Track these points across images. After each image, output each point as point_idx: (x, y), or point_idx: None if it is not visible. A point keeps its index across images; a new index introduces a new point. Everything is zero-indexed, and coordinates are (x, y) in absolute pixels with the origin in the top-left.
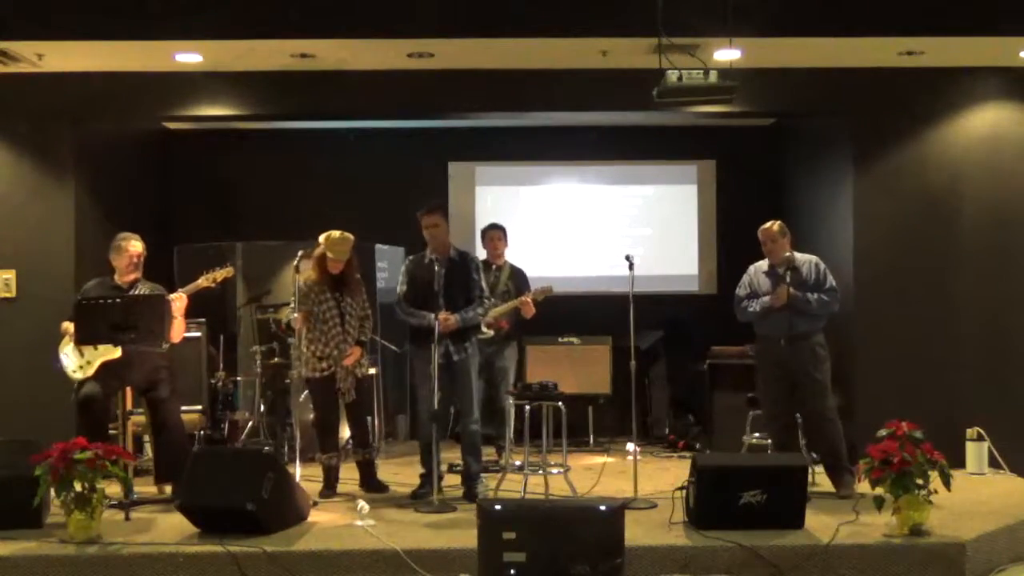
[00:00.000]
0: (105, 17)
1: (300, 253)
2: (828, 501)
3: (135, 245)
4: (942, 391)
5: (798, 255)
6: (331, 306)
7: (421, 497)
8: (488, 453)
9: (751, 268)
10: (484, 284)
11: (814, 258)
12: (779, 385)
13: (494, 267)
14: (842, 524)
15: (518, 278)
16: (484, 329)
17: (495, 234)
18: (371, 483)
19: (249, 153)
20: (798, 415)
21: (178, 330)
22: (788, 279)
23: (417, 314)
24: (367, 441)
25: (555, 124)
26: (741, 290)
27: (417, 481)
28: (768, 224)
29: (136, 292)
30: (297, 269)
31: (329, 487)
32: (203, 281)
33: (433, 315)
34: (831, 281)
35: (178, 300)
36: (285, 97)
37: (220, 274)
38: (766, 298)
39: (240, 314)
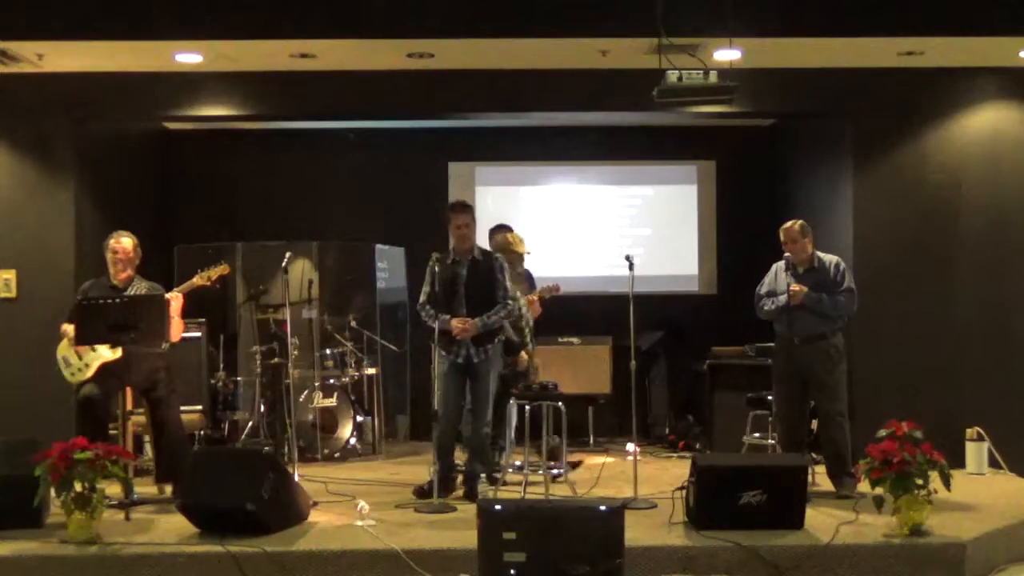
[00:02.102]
0: (105, 17)
1: (288, 255)
2: (828, 501)
3: (121, 242)
4: (942, 391)
5: (822, 255)
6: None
7: (426, 495)
8: None
9: (773, 266)
10: (509, 284)
11: (836, 258)
12: (790, 384)
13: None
14: (842, 524)
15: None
16: None
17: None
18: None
19: (249, 153)
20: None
21: (176, 329)
22: (803, 279)
23: (437, 317)
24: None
25: (555, 124)
26: (761, 288)
27: (419, 480)
28: (789, 224)
29: (132, 291)
30: (286, 271)
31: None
32: (198, 279)
33: (448, 317)
34: (849, 282)
35: (174, 300)
36: (285, 97)
37: (215, 272)
38: (782, 297)
39: (240, 314)
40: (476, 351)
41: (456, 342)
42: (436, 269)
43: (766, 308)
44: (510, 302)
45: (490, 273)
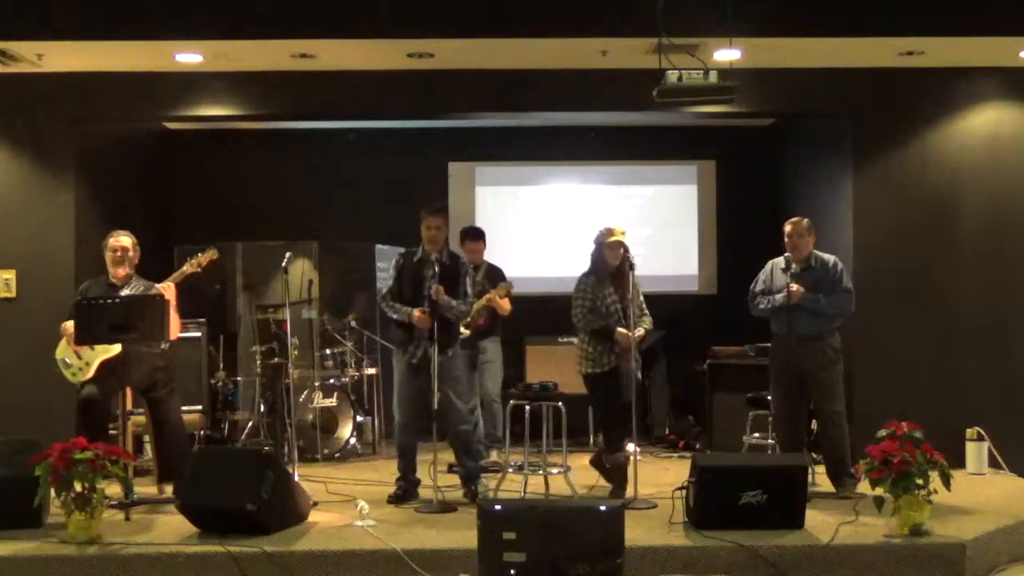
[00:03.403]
0: (105, 17)
1: (288, 255)
2: (828, 501)
3: (120, 240)
4: (942, 391)
5: (819, 254)
6: (614, 300)
7: (397, 501)
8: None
9: (769, 264)
10: (470, 289)
11: (833, 258)
12: (788, 384)
13: (471, 266)
14: (842, 524)
15: (493, 276)
16: (461, 329)
17: (476, 246)
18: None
19: (249, 153)
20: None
21: (174, 326)
22: (801, 277)
23: (399, 309)
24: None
25: (555, 124)
26: (756, 285)
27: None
28: (797, 219)
29: (130, 289)
30: (286, 271)
31: (621, 487)
32: (188, 267)
33: (408, 309)
34: (846, 282)
35: (166, 290)
36: (285, 97)
37: (204, 258)
38: (779, 296)
39: (240, 314)
40: (439, 352)
41: (412, 341)
42: (402, 264)
43: (761, 307)
44: (469, 303)
45: (456, 277)
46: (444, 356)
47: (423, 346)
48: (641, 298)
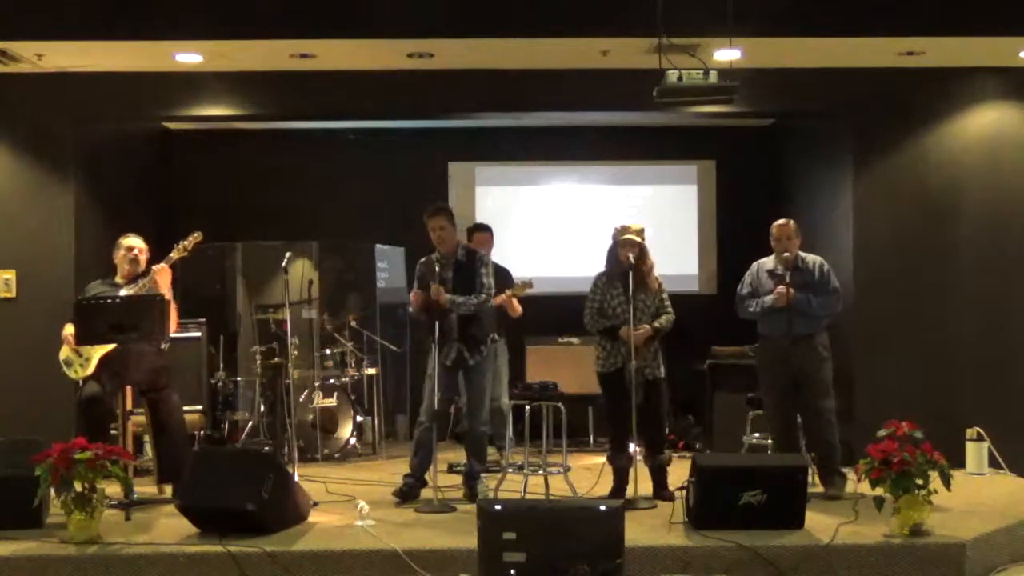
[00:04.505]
0: (105, 17)
1: (288, 255)
2: (828, 501)
3: (132, 240)
4: (942, 391)
5: (804, 255)
6: (621, 301)
7: (402, 497)
8: (490, 453)
9: (754, 266)
10: (489, 280)
11: (819, 258)
12: (781, 385)
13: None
14: (842, 524)
15: (501, 276)
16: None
17: (483, 236)
18: (659, 492)
19: (249, 153)
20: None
21: (172, 323)
22: (789, 279)
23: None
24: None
25: (555, 124)
26: (743, 288)
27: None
28: (784, 221)
29: (133, 287)
30: (286, 271)
31: (619, 491)
32: (175, 254)
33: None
34: (834, 283)
35: (163, 271)
36: (285, 97)
37: (190, 241)
38: (768, 298)
39: (240, 314)
40: (470, 353)
41: (445, 344)
42: (422, 271)
43: (750, 310)
44: (483, 295)
45: (472, 271)
46: (479, 357)
47: (455, 347)
48: (664, 295)
